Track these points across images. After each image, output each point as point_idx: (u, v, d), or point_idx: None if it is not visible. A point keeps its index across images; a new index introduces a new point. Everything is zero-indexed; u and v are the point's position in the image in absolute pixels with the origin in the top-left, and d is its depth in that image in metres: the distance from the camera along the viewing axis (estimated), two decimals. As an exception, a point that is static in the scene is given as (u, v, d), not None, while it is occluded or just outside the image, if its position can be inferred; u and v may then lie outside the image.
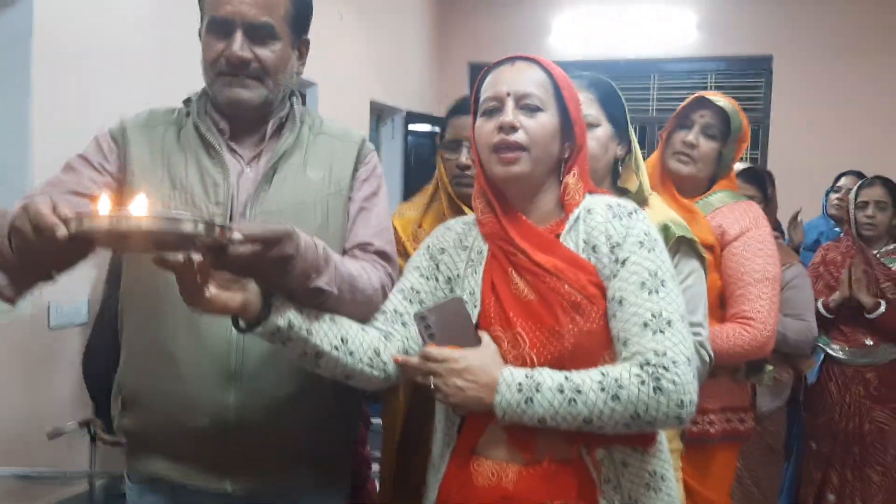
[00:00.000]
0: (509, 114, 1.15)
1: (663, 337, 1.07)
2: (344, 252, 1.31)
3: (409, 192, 1.76)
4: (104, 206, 0.91)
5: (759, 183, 2.59)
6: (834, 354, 2.87)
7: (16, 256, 0.97)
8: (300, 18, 1.31)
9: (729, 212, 1.84)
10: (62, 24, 2.85)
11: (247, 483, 1.28)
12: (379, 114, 5.52)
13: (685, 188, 1.88)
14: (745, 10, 5.67)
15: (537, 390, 1.06)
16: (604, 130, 1.51)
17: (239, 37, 1.24)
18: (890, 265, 2.84)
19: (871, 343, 2.81)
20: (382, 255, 1.32)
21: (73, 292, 2.95)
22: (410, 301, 1.23)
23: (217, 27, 1.25)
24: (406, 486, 1.61)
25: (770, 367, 1.90)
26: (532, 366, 1.11)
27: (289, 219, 1.19)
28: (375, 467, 1.92)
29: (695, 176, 1.88)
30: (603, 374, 1.07)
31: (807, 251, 3.49)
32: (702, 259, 1.52)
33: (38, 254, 0.94)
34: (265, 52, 1.26)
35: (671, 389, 1.05)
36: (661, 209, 1.56)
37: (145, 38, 3.20)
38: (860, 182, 3.01)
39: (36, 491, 2.81)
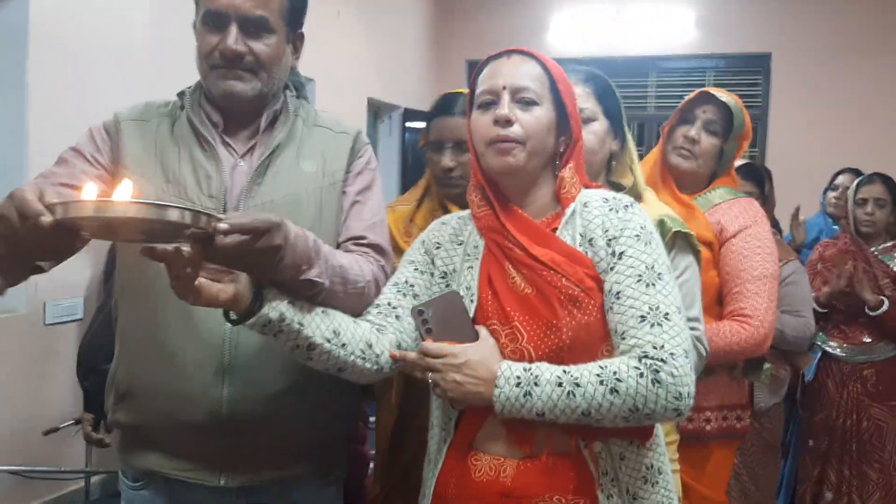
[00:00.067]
0: (505, 107, 1.15)
1: (661, 330, 1.08)
2: (337, 245, 1.31)
3: (406, 188, 1.78)
4: (89, 193, 0.90)
5: (757, 179, 2.59)
6: (832, 352, 2.88)
7: (2, 245, 0.96)
8: (295, 12, 1.31)
9: (728, 208, 1.84)
10: (58, 19, 2.84)
11: (241, 476, 1.28)
12: (377, 111, 5.52)
13: (685, 183, 1.88)
14: (744, 8, 5.68)
15: (536, 384, 1.06)
16: (600, 125, 1.51)
17: (234, 30, 1.23)
18: (888, 263, 2.84)
19: (869, 340, 2.82)
20: (376, 248, 1.31)
21: (68, 290, 2.95)
22: (404, 294, 1.23)
23: (212, 20, 1.25)
24: (399, 480, 1.61)
25: (768, 366, 1.90)
26: (530, 360, 1.11)
27: (282, 211, 1.18)
28: (375, 466, 1.92)
29: (695, 171, 1.87)
30: (601, 367, 1.07)
31: (806, 248, 3.49)
32: (697, 253, 1.52)
33: (23, 241, 0.93)
34: (259, 46, 1.26)
35: (669, 382, 1.05)
36: (655, 204, 1.56)
37: (141, 32, 3.20)
38: (859, 179, 3.01)
39: (32, 488, 2.81)
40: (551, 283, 1.13)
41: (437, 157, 1.64)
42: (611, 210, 1.17)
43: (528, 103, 1.16)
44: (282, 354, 1.21)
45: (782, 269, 2.24)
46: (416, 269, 1.25)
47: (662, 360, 1.05)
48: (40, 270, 1.04)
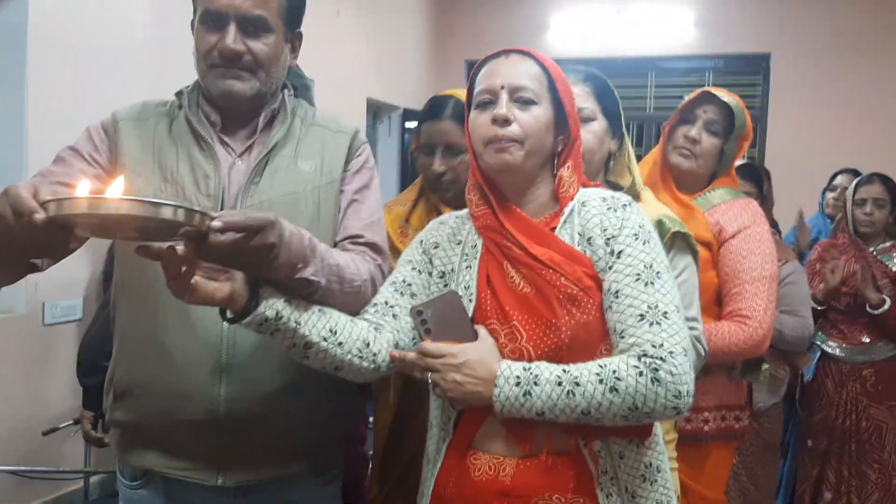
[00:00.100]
0: (503, 107, 1.15)
1: (660, 328, 1.08)
2: (335, 244, 1.31)
3: (405, 188, 1.78)
4: (83, 190, 0.90)
5: (756, 179, 2.59)
6: (831, 352, 2.88)
7: None
8: (293, 11, 1.31)
9: (727, 209, 1.84)
10: (58, 19, 2.85)
11: (238, 475, 1.28)
12: (376, 111, 5.52)
13: (685, 183, 1.88)
14: (743, 8, 5.68)
15: (535, 383, 1.06)
16: (599, 124, 1.52)
17: (232, 29, 1.24)
18: (887, 262, 2.84)
19: (868, 340, 2.82)
20: (373, 246, 1.32)
21: (67, 290, 2.95)
22: (402, 294, 1.23)
23: (210, 19, 1.25)
24: (398, 480, 1.61)
25: (766, 366, 1.90)
26: (529, 359, 1.11)
27: (280, 210, 1.19)
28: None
29: (695, 171, 1.87)
30: (601, 366, 1.07)
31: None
32: (695, 254, 1.52)
33: (18, 239, 0.93)
34: (258, 45, 1.26)
35: (668, 380, 1.05)
36: (653, 204, 1.56)
37: (140, 31, 3.20)
38: (858, 179, 3.00)
39: (31, 488, 2.81)
40: (550, 282, 1.13)
41: (427, 162, 1.63)
42: (609, 209, 1.17)
43: (526, 102, 1.16)
44: (279, 353, 1.21)
45: (781, 269, 2.25)
46: (413, 269, 1.25)
47: (661, 359, 1.06)
48: (36, 269, 1.04)
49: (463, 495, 1.15)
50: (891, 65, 5.30)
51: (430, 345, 1.11)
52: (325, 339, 1.12)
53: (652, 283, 1.11)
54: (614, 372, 1.06)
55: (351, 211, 1.33)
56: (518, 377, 1.07)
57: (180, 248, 0.96)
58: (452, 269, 1.23)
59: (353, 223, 1.32)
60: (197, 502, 1.30)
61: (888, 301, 2.72)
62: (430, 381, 1.11)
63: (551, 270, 1.13)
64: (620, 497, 1.12)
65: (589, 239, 1.16)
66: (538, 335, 1.12)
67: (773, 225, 2.99)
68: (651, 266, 1.12)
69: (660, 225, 1.47)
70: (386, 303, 1.22)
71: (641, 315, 1.09)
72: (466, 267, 1.21)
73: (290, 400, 1.28)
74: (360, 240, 1.31)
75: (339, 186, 1.33)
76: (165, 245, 0.95)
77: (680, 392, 1.05)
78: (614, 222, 1.15)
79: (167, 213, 0.89)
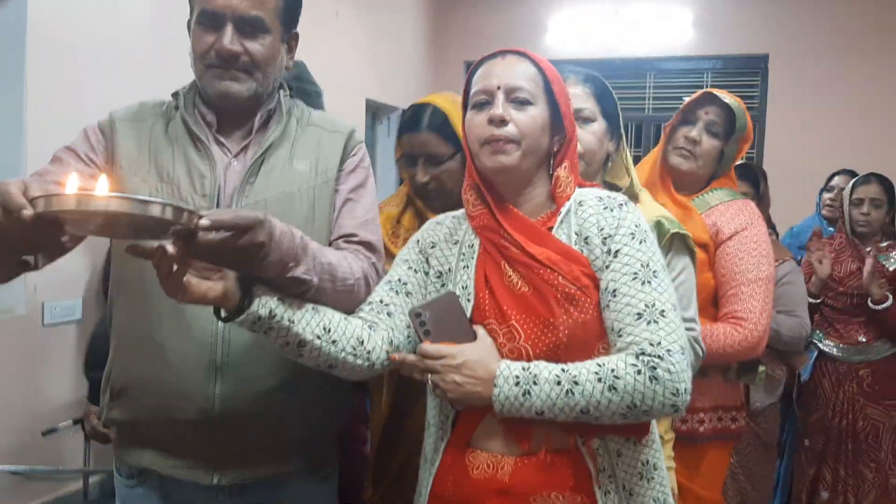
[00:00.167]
0: (499, 107, 1.16)
1: (657, 327, 1.09)
2: (329, 243, 1.31)
3: (403, 190, 1.80)
4: (72, 186, 0.90)
5: (752, 179, 2.60)
6: (827, 351, 2.88)
7: None
8: (290, 12, 1.32)
9: (725, 210, 1.84)
10: (57, 18, 2.84)
11: (234, 474, 1.29)
12: (375, 112, 5.52)
13: (683, 184, 1.88)
14: (741, 9, 5.68)
15: (535, 383, 1.07)
16: (599, 125, 1.53)
17: (229, 30, 1.24)
18: (883, 262, 2.84)
19: (865, 340, 2.83)
20: (367, 245, 1.32)
21: (67, 290, 2.95)
22: (397, 292, 1.24)
23: (207, 20, 1.25)
24: (394, 481, 1.61)
25: (762, 368, 1.90)
26: (527, 358, 1.11)
27: (275, 210, 1.19)
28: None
29: (694, 173, 1.87)
30: (599, 364, 1.08)
31: (802, 250, 3.50)
32: (693, 254, 1.53)
33: (7, 235, 0.93)
34: (255, 46, 1.26)
35: (666, 378, 1.06)
36: (651, 205, 1.57)
37: (140, 31, 3.20)
38: (855, 179, 3.01)
39: (30, 488, 2.81)
40: (548, 281, 1.13)
41: (411, 172, 1.64)
42: (605, 209, 1.18)
43: (522, 103, 1.17)
44: (273, 352, 1.22)
45: (778, 269, 2.25)
46: (409, 268, 1.26)
47: (659, 357, 1.06)
48: (30, 267, 1.03)
49: (461, 494, 1.15)
50: (889, 65, 5.31)
51: (429, 346, 1.11)
52: (318, 338, 1.12)
53: (649, 282, 1.11)
54: (613, 370, 1.06)
55: (345, 210, 1.34)
56: (517, 377, 1.07)
57: (170, 246, 0.97)
58: (450, 269, 1.23)
59: (348, 222, 1.33)
60: (193, 501, 1.31)
61: (891, 298, 2.73)
62: (429, 382, 1.12)
63: (549, 270, 1.14)
64: (618, 495, 1.13)
65: (586, 238, 1.16)
66: (536, 334, 1.12)
67: (770, 226, 3.00)
68: (648, 265, 1.13)
69: (658, 226, 1.48)
70: (381, 301, 1.23)
71: (639, 314, 1.10)
72: (464, 267, 1.22)
73: (285, 398, 1.28)
74: (354, 238, 1.31)
75: (334, 186, 1.34)
76: (155, 244, 0.96)
77: (678, 390, 1.06)
78: (611, 222, 1.16)
79: (155, 211, 0.89)
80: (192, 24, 1.30)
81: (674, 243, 1.49)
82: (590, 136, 1.50)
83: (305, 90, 2.01)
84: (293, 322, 1.10)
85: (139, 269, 1.17)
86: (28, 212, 0.88)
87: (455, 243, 1.25)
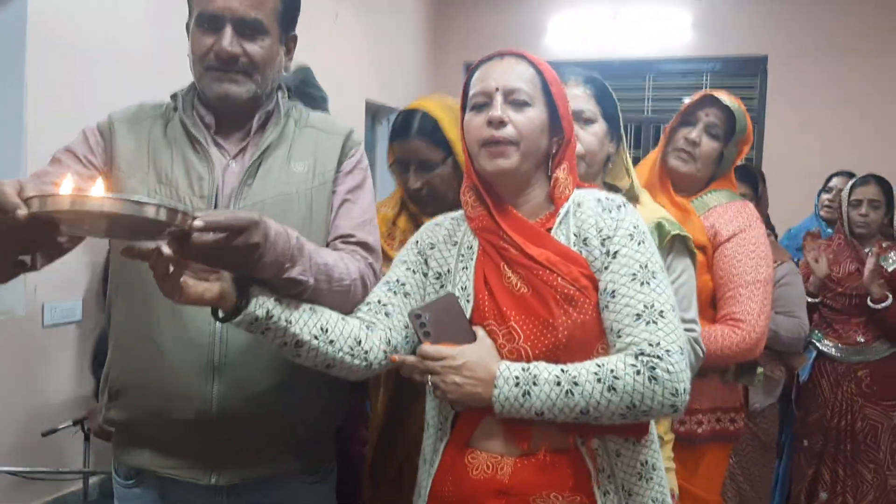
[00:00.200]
0: (498, 108, 1.16)
1: (656, 327, 1.09)
2: (327, 244, 1.31)
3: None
4: (66, 187, 0.90)
5: (751, 181, 2.60)
6: (826, 351, 2.89)
7: None
8: (288, 14, 1.32)
9: (723, 212, 1.84)
10: (57, 18, 2.85)
11: (231, 474, 1.29)
12: (374, 113, 5.52)
13: (682, 186, 1.88)
14: (741, 11, 5.69)
15: (534, 384, 1.07)
16: (600, 126, 1.53)
17: (228, 32, 1.24)
18: (882, 263, 2.85)
19: (864, 341, 2.83)
20: (364, 245, 1.32)
21: (67, 291, 2.95)
22: (395, 293, 1.24)
23: (206, 22, 1.25)
24: (392, 481, 1.61)
25: (761, 370, 1.90)
26: (527, 359, 1.12)
27: (272, 211, 1.20)
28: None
29: (693, 175, 1.87)
30: (599, 365, 1.08)
31: (800, 251, 3.50)
32: (693, 256, 1.53)
33: (2, 235, 0.94)
34: (254, 48, 1.27)
35: (666, 378, 1.06)
36: (652, 207, 1.57)
37: (140, 31, 3.20)
38: (854, 180, 3.02)
39: (30, 489, 2.81)
40: (547, 282, 1.14)
41: (404, 177, 1.64)
42: (604, 210, 1.18)
43: (520, 104, 1.17)
44: (270, 352, 1.22)
45: (776, 270, 2.25)
46: (408, 269, 1.26)
47: (658, 357, 1.07)
48: (25, 268, 1.03)
49: (461, 494, 1.16)
50: (888, 65, 5.32)
51: (429, 347, 1.12)
52: (316, 338, 1.13)
53: (648, 283, 1.12)
54: (612, 371, 1.07)
55: (343, 211, 1.34)
56: (517, 377, 1.08)
57: (166, 248, 0.97)
58: (449, 270, 1.24)
59: (345, 223, 1.33)
60: (191, 501, 1.31)
61: (891, 297, 2.73)
62: (429, 383, 1.12)
63: (548, 271, 1.14)
64: (617, 495, 1.13)
65: (585, 239, 1.17)
66: (535, 335, 1.13)
67: (769, 227, 3.01)
68: (646, 266, 1.13)
69: (659, 227, 1.48)
70: (379, 301, 1.23)
71: (638, 314, 1.10)
72: (463, 268, 1.22)
73: (282, 398, 1.29)
74: (352, 239, 1.32)
75: (332, 187, 1.34)
76: (150, 245, 0.96)
77: (677, 390, 1.07)
78: (610, 223, 1.16)
79: (149, 212, 0.90)
80: (190, 26, 1.30)
81: (674, 245, 1.49)
82: (591, 137, 1.51)
83: (312, 95, 2.03)
84: (290, 322, 1.10)
85: (137, 270, 1.17)
86: (22, 212, 0.89)
87: (454, 244, 1.25)
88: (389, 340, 1.20)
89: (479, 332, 1.15)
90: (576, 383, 1.07)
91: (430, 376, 1.11)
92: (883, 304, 2.73)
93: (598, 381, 1.06)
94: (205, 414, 1.25)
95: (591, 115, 1.51)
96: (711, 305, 1.81)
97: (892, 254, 2.87)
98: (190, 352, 1.24)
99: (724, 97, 1.86)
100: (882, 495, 2.77)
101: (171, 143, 1.30)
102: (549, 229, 1.19)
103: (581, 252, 1.16)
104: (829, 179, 3.66)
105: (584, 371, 1.08)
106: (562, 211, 1.20)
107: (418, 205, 1.64)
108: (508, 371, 1.09)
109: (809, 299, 2.81)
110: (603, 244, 1.16)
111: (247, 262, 1.04)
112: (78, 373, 3.00)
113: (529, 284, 1.15)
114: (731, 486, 2.43)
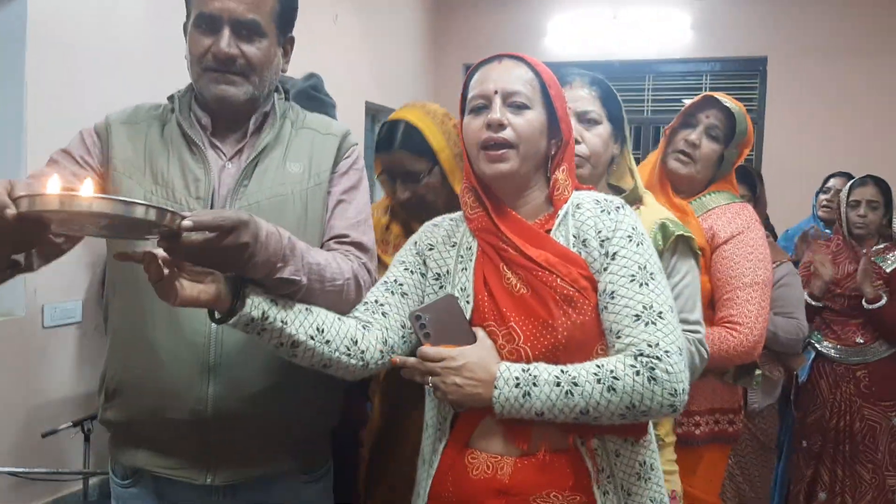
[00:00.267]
0: (497, 111, 1.16)
1: (655, 328, 1.09)
2: (322, 245, 1.32)
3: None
4: (53, 186, 0.91)
5: (749, 182, 2.60)
6: (825, 352, 2.89)
7: None
8: (286, 16, 1.33)
9: (721, 213, 1.83)
10: (57, 17, 2.85)
11: (227, 474, 1.29)
12: (374, 114, 5.52)
13: (682, 187, 1.88)
14: (740, 12, 5.70)
15: (534, 384, 1.07)
16: (605, 128, 1.53)
17: (226, 33, 1.25)
18: (880, 264, 2.85)
19: (863, 341, 2.83)
20: (358, 246, 1.32)
21: (67, 292, 2.96)
22: (392, 293, 1.24)
23: (204, 23, 1.26)
24: (388, 483, 1.61)
25: (759, 372, 1.90)
26: (527, 360, 1.12)
27: (268, 212, 1.21)
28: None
29: (693, 176, 1.87)
30: (598, 366, 1.09)
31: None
32: (696, 257, 1.53)
33: None
34: (252, 49, 1.27)
35: (665, 379, 1.07)
36: (655, 208, 1.57)
37: (140, 31, 3.21)
38: (852, 181, 3.02)
39: (31, 489, 2.81)
40: (546, 283, 1.14)
41: (391, 188, 1.64)
42: (602, 211, 1.19)
43: (519, 107, 1.18)
44: (266, 352, 1.23)
45: (775, 270, 2.25)
46: (406, 269, 1.27)
47: (658, 358, 1.07)
48: (20, 268, 1.03)
49: (461, 494, 1.16)
50: (887, 66, 5.33)
51: (429, 349, 1.12)
52: (312, 338, 1.13)
53: (646, 284, 1.12)
54: (611, 371, 1.07)
55: (338, 211, 1.34)
56: (517, 378, 1.08)
57: (160, 250, 0.97)
58: (448, 271, 1.24)
59: (339, 223, 1.33)
60: (187, 501, 1.31)
61: (885, 298, 2.74)
62: (430, 384, 1.12)
63: (547, 272, 1.14)
64: (617, 495, 1.14)
65: (584, 241, 1.17)
66: (535, 336, 1.13)
67: (768, 227, 3.01)
68: (645, 267, 1.14)
69: (663, 228, 1.48)
70: (376, 301, 1.23)
71: (637, 315, 1.10)
72: (462, 269, 1.22)
73: (278, 399, 1.29)
74: (346, 239, 1.32)
75: (327, 188, 1.34)
76: (145, 247, 0.97)
77: (676, 390, 1.07)
78: (608, 224, 1.17)
79: (138, 212, 0.90)
80: (188, 27, 1.30)
81: (678, 246, 1.49)
82: (595, 138, 1.51)
83: (322, 100, 2.04)
84: (286, 323, 1.11)
85: (133, 271, 1.17)
86: (11, 211, 0.89)
87: (453, 245, 1.26)
88: (386, 340, 1.20)
89: (479, 333, 1.16)
90: (575, 384, 1.07)
91: (430, 377, 1.12)
92: (877, 305, 2.74)
93: (598, 381, 1.07)
94: (200, 414, 1.25)
95: (597, 116, 1.51)
96: (710, 307, 1.81)
97: (891, 255, 2.88)
98: (185, 352, 1.25)
99: (725, 99, 1.86)
100: (880, 495, 2.78)
101: (168, 144, 1.31)
102: (549, 230, 1.19)
103: (580, 253, 1.17)
104: (826, 180, 3.66)
105: (583, 372, 1.08)
106: (561, 212, 1.20)
107: (407, 214, 1.64)
108: (508, 372, 1.09)
109: (812, 302, 2.82)
110: (602, 245, 1.16)
111: (237, 261, 1.05)
112: (78, 374, 3.01)
113: (529, 285, 1.15)
114: (730, 486, 2.44)
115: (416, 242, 1.29)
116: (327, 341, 1.14)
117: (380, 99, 5.37)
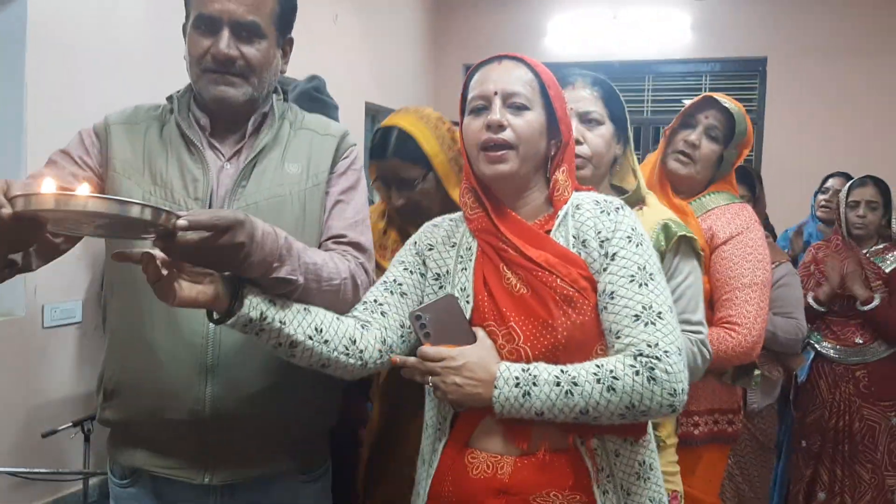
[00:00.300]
0: (497, 112, 1.17)
1: (654, 328, 1.10)
2: (319, 245, 1.32)
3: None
4: (48, 186, 0.91)
5: (748, 182, 2.60)
6: (824, 352, 2.89)
7: None
8: (285, 17, 1.33)
9: (721, 214, 1.83)
10: (57, 18, 2.86)
11: (225, 474, 1.30)
12: (374, 115, 5.53)
13: (682, 188, 1.88)
14: (740, 12, 5.70)
15: (534, 384, 1.08)
16: (608, 128, 1.53)
17: (226, 34, 1.25)
18: (879, 264, 2.86)
19: (862, 342, 2.83)
20: (356, 246, 1.33)
21: (67, 293, 2.96)
22: (391, 292, 1.24)
23: (204, 24, 1.26)
24: (383, 481, 1.61)
25: (758, 372, 1.90)
26: (527, 360, 1.12)
27: (266, 213, 1.21)
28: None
29: (692, 177, 1.87)
30: (598, 366, 1.09)
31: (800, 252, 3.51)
32: (699, 257, 1.52)
33: None
34: (251, 51, 1.27)
35: (664, 379, 1.07)
36: (658, 208, 1.57)
37: (139, 31, 3.21)
38: (851, 181, 3.02)
39: (31, 490, 2.81)
40: (546, 283, 1.14)
41: (386, 194, 1.64)
42: (602, 212, 1.19)
43: (519, 108, 1.18)
44: (264, 353, 1.23)
45: (774, 271, 2.26)
46: (405, 269, 1.27)
47: (657, 358, 1.08)
48: (16, 267, 1.03)
49: (461, 494, 1.16)
50: (886, 66, 5.33)
51: (429, 349, 1.12)
52: (310, 338, 1.13)
53: (646, 285, 1.13)
54: (611, 371, 1.07)
55: (336, 211, 1.34)
56: (517, 378, 1.08)
57: (158, 254, 0.98)
58: (447, 272, 1.24)
59: (337, 223, 1.33)
60: (185, 500, 1.32)
61: (877, 298, 2.75)
62: (430, 384, 1.12)
63: (547, 272, 1.15)
64: (616, 494, 1.14)
65: (584, 241, 1.17)
66: (535, 336, 1.13)
67: (768, 228, 3.01)
68: (644, 268, 1.14)
69: (666, 229, 1.47)
70: (375, 301, 1.24)
71: (636, 316, 1.11)
72: (462, 269, 1.22)
73: (276, 399, 1.29)
74: (343, 239, 1.32)
75: (325, 188, 1.35)
76: (143, 248, 0.97)
77: (675, 390, 1.08)
78: (608, 225, 1.17)
79: (133, 211, 0.90)
80: (187, 28, 1.30)
81: (681, 246, 1.48)
82: (598, 139, 1.50)
83: (324, 102, 2.05)
84: (284, 323, 1.11)
85: (130, 271, 1.17)
86: (7, 210, 0.89)
87: (453, 246, 1.26)
88: (385, 340, 1.20)
89: (479, 332, 1.16)
90: (575, 384, 1.07)
91: (430, 377, 1.12)
92: (869, 306, 2.75)
93: (598, 381, 1.07)
94: (198, 414, 1.25)
95: (599, 116, 1.51)
96: (709, 307, 1.81)
97: (890, 255, 2.88)
98: (183, 352, 1.25)
99: (724, 100, 1.86)
100: (879, 495, 2.78)
101: (167, 145, 1.31)
102: (548, 231, 1.20)
103: (580, 254, 1.17)
104: (825, 180, 3.67)
105: (583, 372, 1.08)
106: (560, 213, 1.20)
107: (403, 220, 1.64)
108: (508, 372, 1.09)
109: (816, 306, 2.82)
110: (601, 246, 1.16)
111: (233, 261, 1.05)
112: (78, 374, 3.01)
113: (529, 285, 1.16)
114: (729, 486, 2.44)
115: (415, 242, 1.30)
116: (326, 341, 1.14)
117: (380, 99, 5.37)
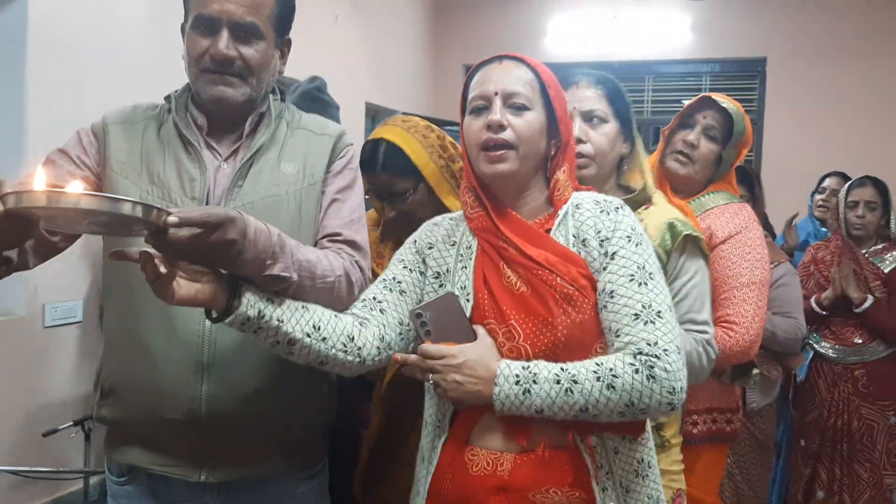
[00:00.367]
0: (497, 112, 1.17)
1: (654, 327, 1.10)
2: (315, 244, 1.32)
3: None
4: (39, 182, 0.91)
5: (747, 182, 2.61)
6: (823, 352, 2.90)
7: None
8: (284, 18, 1.33)
9: (720, 213, 1.83)
10: (57, 18, 2.86)
11: (222, 472, 1.30)
12: (374, 115, 5.53)
13: (680, 188, 1.88)
14: (739, 13, 5.71)
15: (534, 382, 1.08)
16: (611, 127, 1.52)
17: (225, 35, 1.25)
18: (878, 265, 2.86)
19: (860, 342, 2.84)
20: (351, 244, 1.33)
21: (67, 292, 2.96)
22: (390, 290, 1.25)
23: (203, 24, 1.27)
24: (382, 480, 1.61)
25: (757, 371, 1.90)
26: (527, 357, 1.13)
27: (262, 212, 1.21)
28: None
29: (691, 177, 1.87)
30: (597, 364, 1.10)
31: (797, 251, 3.51)
32: (706, 256, 1.52)
33: None
34: (249, 52, 1.28)
35: (663, 377, 1.08)
36: (665, 208, 1.56)
37: (140, 32, 3.21)
38: (850, 182, 3.03)
39: (31, 489, 2.82)
40: (546, 281, 1.15)
41: (379, 205, 1.65)
42: (602, 211, 1.19)
43: (519, 108, 1.18)
44: (260, 351, 1.24)
45: (773, 271, 2.26)
46: (405, 267, 1.27)
47: (656, 357, 1.08)
48: (12, 265, 1.03)
49: (461, 491, 1.16)
50: (885, 67, 5.34)
51: (430, 346, 1.13)
52: (308, 336, 1.13)
53: (645, 284, 1.13)
54: (611, 369, 1.08)
55: (332, 210, 1.35)
56: (517, 376, 1.09)
57: (155, 252, 0.98)
58: (448, 270, 1.24)
59: (333, 222, 1.34)
60: (181, 499, 1.32)
61: (870, 298, 2.76)
62: (430, 382, 1.13)
63: (547, 271, 1.15)
64: (615, 491, 1.15)
65: (583, 241, 1.18)
66: (535, 334, 1.14)
67: (767, 227, 3.02)
68: (644, 267, 1.15)
69: (671, 228, 1.47)
70: (374, 298, 1.24)
71: (636, 314, 1.11)
72: (462, 267, 1.23)
73: (272, 397, 1.29)
74: (339, 237, 1.32)
75: (321, 187, 1.35)
76: (141, 247, 0.97)
77: (674, 388, 1.08)
78: (608, 224, 1.18)
79: (124, 208, 0.90)
80: (186, 29, 1.31)
81: (687, 245, 1.48)
82: (601, 137, 1.50)
83: (325, 102, 2.05)
84: (282, 321, 1.11)
85: (127, 270, 1.18)
86: None
87: (453, 244, 1.26)
88: (383, 337, 1.21)
89: (480, 330, 1.16)
90: (575, 381, 1.08)
91: (430, 374, 1.12)
92: (863, 307, 2.76)
93: (598, 379, 1.08)
94: (194, 413, 1.26)
95: (602, 114, 1.50)
96: (708, 307, 1.81)
97: (889, 255, 2.88)
98: (179, 351, 1.25)
99: (722, 100, 1.86)
100: (878, 494, 2.79)
101: (164, 144, 1.31)
102: (548, 230, 1.20)
103: (580, 253, 1.18)
104: (822, 180, 3.67)
105: (583, 370, 1.09)
106: (560, 212, 1.21)
107: (393, 231, 1.65)
108: (509, 369, 1.10)
109: (820, 311, 2.82)
110: (601, 245, 1.17)
111: (225, 258, 1.05)
112: (78, 373, 3.01)
113: (529, 284, 1.16)
114: (728, 485, 2.45)
115: (415, 241, 1.30)
116: (324, 338, 1.15)
117: (380, 100, 5.38)
